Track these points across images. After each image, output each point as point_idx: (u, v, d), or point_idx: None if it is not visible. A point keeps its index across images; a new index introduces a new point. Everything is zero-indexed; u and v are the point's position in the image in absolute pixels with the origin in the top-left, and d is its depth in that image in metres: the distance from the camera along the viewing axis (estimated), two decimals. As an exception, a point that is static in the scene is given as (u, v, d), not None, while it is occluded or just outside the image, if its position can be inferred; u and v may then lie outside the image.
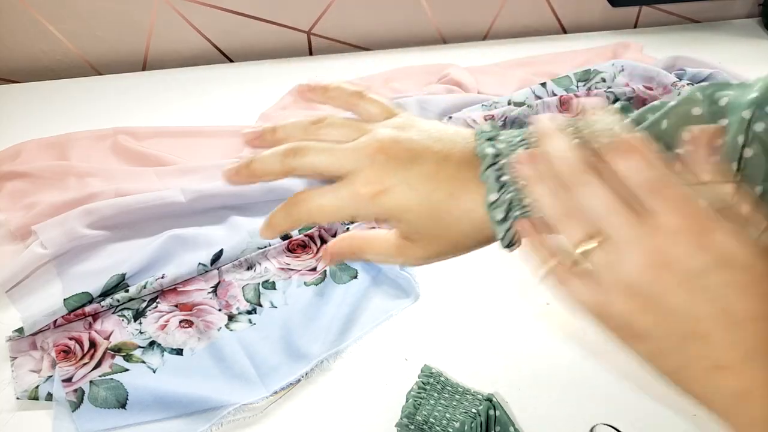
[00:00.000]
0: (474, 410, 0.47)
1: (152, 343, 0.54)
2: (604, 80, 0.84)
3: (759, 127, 0.29)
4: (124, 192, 0.67)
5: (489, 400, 0.48)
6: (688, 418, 0.48)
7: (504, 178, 0.29)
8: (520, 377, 0.52)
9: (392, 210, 0.31)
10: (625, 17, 1.13)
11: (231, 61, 1.00)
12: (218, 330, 0.55)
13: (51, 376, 0.50)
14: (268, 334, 0.55)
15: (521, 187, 0.29)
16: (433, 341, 0.55)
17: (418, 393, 0.48)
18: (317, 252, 0.63)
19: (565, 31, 1.12)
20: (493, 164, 0.30)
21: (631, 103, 0.81)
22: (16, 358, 0.52)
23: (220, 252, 0.60)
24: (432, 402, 0.48)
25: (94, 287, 0.56)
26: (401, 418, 0.47)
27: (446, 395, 0.48)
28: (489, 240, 0.32)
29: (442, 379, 0.49)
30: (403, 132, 0.31)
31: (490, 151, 0.30)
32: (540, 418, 0.49)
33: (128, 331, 0.54)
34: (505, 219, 0.30)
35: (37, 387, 0.49)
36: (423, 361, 0.52)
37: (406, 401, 0.48)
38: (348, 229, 0.63)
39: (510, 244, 0.31)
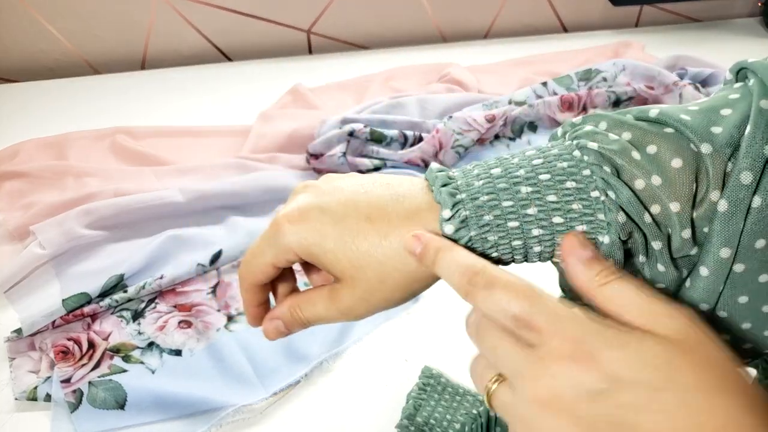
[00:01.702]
0: (475, 411, 0.47)
1: (151, 344, 0.53)
2: (605, 79, 0.84)
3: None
4: (123, 192, 0.67)
5: None
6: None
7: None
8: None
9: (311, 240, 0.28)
10: (626, 16, 1.13)
11: (230, 60, 1.00)
12: (217, 331, 0.55)
13: (49, 377, 0.50)
14: (268, 335, 0.55)
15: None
16: (433, 342, 0.54)
17: (419, 394, 0.48)
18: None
19: (566, 30, 1.12)
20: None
21: (632, 102, 0.81)
22: (14, 358, 0.52)
23: (219, 252, 0.60)
24: (432, 403, 0.48)
25: (93, 288, 0.56)
26: (401, 420, 0.47)
27: (447, 396, 0.48)
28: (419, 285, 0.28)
29: (443, 380, 0.49)
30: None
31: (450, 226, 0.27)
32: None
33: (127, 332, 0.54)
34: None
35: (35, 388, 0.49)
36: (423, 362, 0.52)
37: (407, 402, 0.48)
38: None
39: None
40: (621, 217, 0.26)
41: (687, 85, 0.80)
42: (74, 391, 0.49)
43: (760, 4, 1.16)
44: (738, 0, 1.16)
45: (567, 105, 0.80)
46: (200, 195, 0.66)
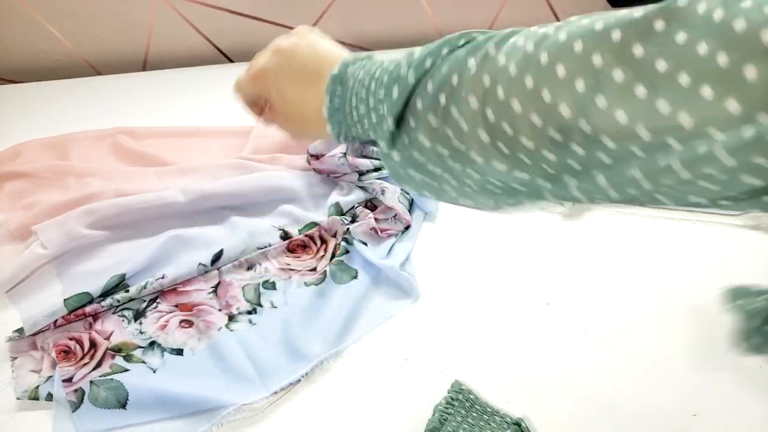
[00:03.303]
0: None
1: (152, 343, 0.54)
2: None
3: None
4: (124, 192, 0.67)
5: (518, 424, 0.46)
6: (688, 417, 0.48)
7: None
8: (517, 375, 0.52)
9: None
10: (625, 17, 1.13)
11: (231, 61, 1.00)
12: (218, 330, 0.55)
13: (51, 377, 0.50)
14: (269, 335, 0.55)
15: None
16: (433, 342, 0.55)
17: (446, 408, 0.47)
18: (317, 252, 0.63)
19: (565, 31, 1.12)
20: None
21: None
22: (16, 358, 0.52)
23: (221, 252, 0.60)
24: (458, 419, 0.47)
25: (95, 287, 0.56)
26: (425, 431, 0.46)
27: (474, 414, 0.47)
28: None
29: (472, 396, 0.48)
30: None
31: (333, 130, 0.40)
32: None
33: (128, 331, 0.54)
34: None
35: (37, 387, 0.49)
36: (423, 361, 0.52)
37: (432, 414, 0.47)
38: (348, 230, 0.63)
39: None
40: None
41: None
42: (76, 391, 0.49)
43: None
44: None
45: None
46: (201, 195, 0.66)
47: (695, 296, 0.59)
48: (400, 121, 0.36)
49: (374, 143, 0.39)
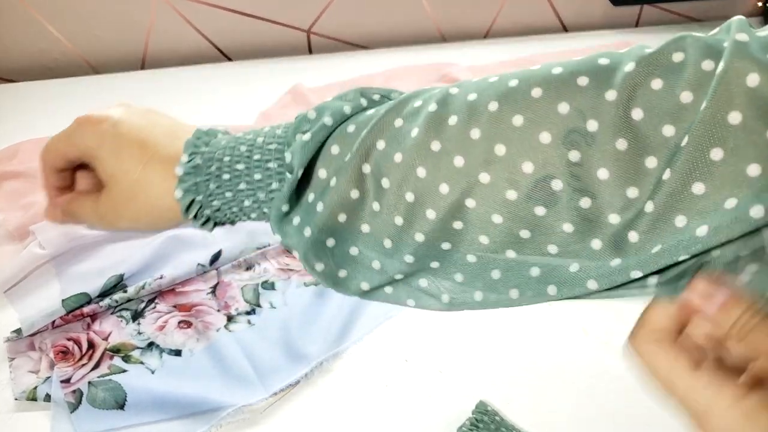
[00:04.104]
0: None
1: (151, 344, 0.53)
2: (604, 79, 0.83)
3: None
4: (123, 192, 0.67)
5: None
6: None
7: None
8: (517, 376, 0.51)
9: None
10: (626, 16, 1.13)
11: (230, 60, 1.00)
12: (217, 331, 0.55)
13: (49, 377, 0.50)
14: (268, 335, 0.55)
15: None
16: (433, 342, 0.54)
17: (470, 429, 0.46)
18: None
19: (566, 30, 1.12)
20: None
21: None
22: (14, 359, 0.52)
23: (219, 252, 0.60)
24: None
25: (93, 288, 0.56)
26: None
27: None
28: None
29: (497, 418, 0.47)
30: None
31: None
32: None
33: (127, 332, 0.54)
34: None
35: (35, 388, 0.49)
36: (423, 361, 0.52)
37: None
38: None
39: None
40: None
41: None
42: (74, 391, 0.49)
43: (760, 5, 1.16)
44: (738, 0, 1.16)
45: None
46: (200, 195, 0.66)
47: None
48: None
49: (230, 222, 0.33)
